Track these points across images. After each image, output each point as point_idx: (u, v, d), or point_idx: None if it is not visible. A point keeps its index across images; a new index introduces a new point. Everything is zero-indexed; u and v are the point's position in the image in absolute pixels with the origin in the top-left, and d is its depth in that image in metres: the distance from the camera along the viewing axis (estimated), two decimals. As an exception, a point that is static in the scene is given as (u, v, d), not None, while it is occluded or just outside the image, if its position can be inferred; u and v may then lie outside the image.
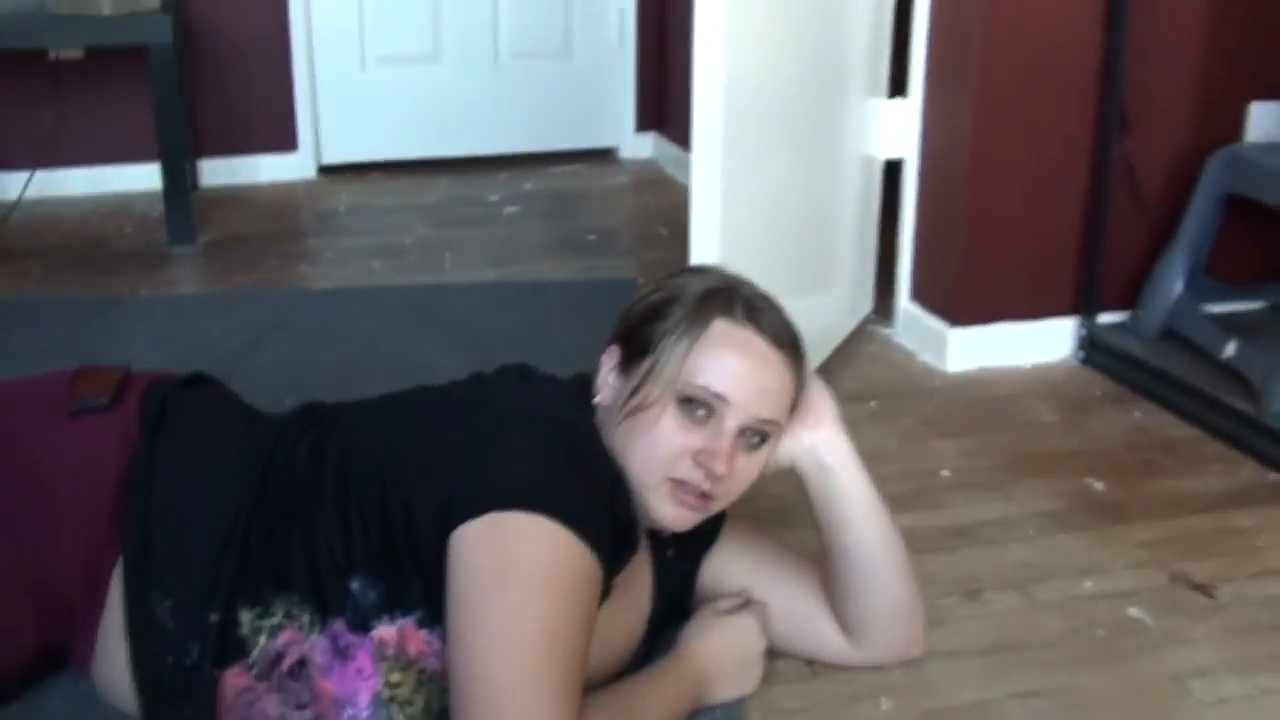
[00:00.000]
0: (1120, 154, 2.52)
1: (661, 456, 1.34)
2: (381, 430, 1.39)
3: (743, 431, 1.37)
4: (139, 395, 1.43)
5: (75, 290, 2.98)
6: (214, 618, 1.31)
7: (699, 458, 1.34)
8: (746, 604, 1.55)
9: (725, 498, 1.39)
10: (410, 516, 1.28)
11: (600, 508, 1.29)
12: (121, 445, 1.37)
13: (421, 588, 1.29)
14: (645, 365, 1.37)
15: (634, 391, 1.37)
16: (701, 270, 1.49)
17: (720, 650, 1.49)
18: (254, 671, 1.32)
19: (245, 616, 1.31)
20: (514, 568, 1.21)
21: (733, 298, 1.39)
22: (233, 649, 1.31)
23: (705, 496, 1.36)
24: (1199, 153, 2.56)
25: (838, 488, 1.48)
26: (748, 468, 1.39)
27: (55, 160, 3.73)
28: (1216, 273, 2.62)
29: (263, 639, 1.31)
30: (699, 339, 1.36)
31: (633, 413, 1.36)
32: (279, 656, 1.31)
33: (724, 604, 1.54)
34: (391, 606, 1.30)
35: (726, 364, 1.36)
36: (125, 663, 1.33)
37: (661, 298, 1.41)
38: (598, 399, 1.42)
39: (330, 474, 1.34)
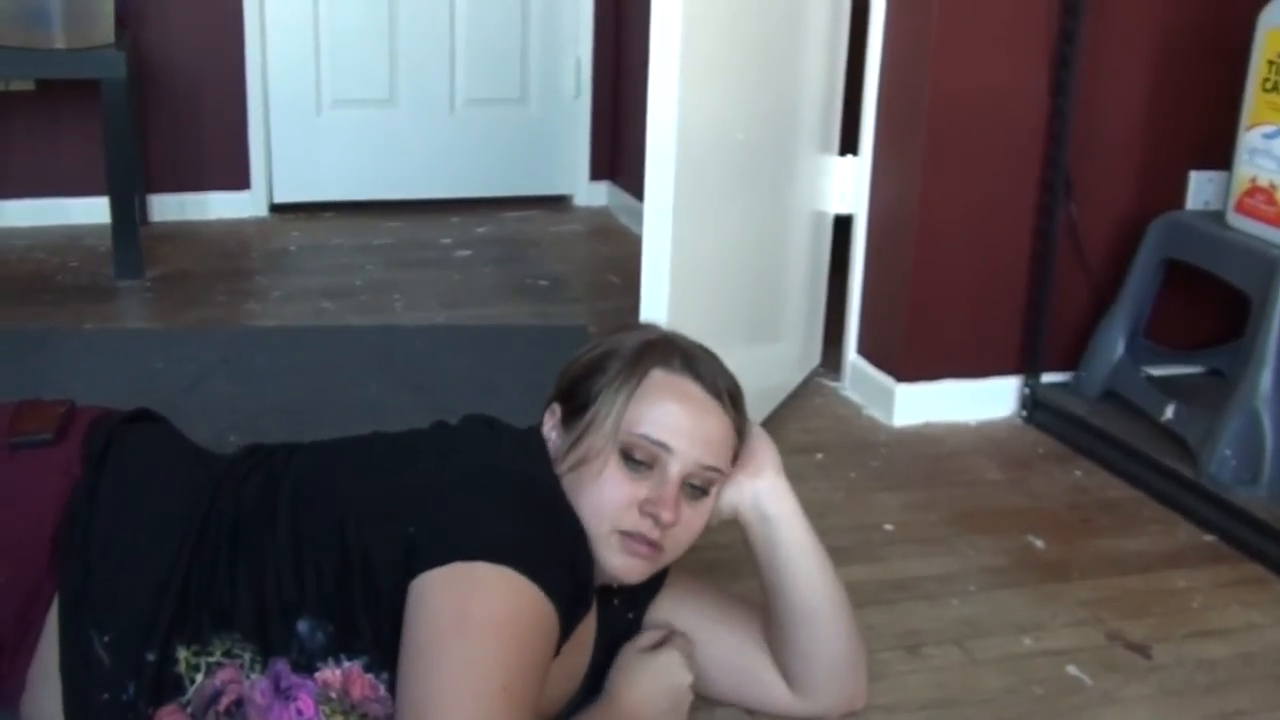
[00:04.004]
0: (1064, 217, 2.57)
1: (608, 509, 1.35)
2: (339, 472, 1.38)
3: (686, 480, 1.37)
4: (83, 431, 1.41)
5: (18, 322, 2.94)
6: (151, 657, 1.29)
7: (645, 508, 1.35)
8: (668, 638, 1.54)
9: (675, 548, 1.40)
10: (369, 560, 1.27)
11: (564, 565, 1.29)
12: (63, 481, 1.35)
13: (372, 632, 1.28)
14: (586, 419, 1.38)
15: (576, 445, 1.37)
16: (638, 326, 1.52)
17: (648, 690, 1.48)
18: (189, 709, 1.30)
19: (182, 654, 1.30)
20: (475, 617, 1.20)
21: (669, 349, 1.42)
22: (169, 687, 1.30)
23: (655, 546, 1.36)
24: (1142, 218, 2.61)
25: (780, 537, 1.49)
26: (694, 517, 1.40)
27: (1, 191, 3.69)
28: (1157, 336, 2.67)
29: (200, 676, 1.30)
30: (637, 389, 1.38)
31: (576, 466, 1.37)
32: (217, 694, 1.30)
33: (644, 640, 1.54)
34: (339, 649, 1.29)
35: (666, 412, 1.37)
36: (57, 699, 1.30)
37: (599, 353, 1.43)
38: None
39: (284, 514, 1.33)
